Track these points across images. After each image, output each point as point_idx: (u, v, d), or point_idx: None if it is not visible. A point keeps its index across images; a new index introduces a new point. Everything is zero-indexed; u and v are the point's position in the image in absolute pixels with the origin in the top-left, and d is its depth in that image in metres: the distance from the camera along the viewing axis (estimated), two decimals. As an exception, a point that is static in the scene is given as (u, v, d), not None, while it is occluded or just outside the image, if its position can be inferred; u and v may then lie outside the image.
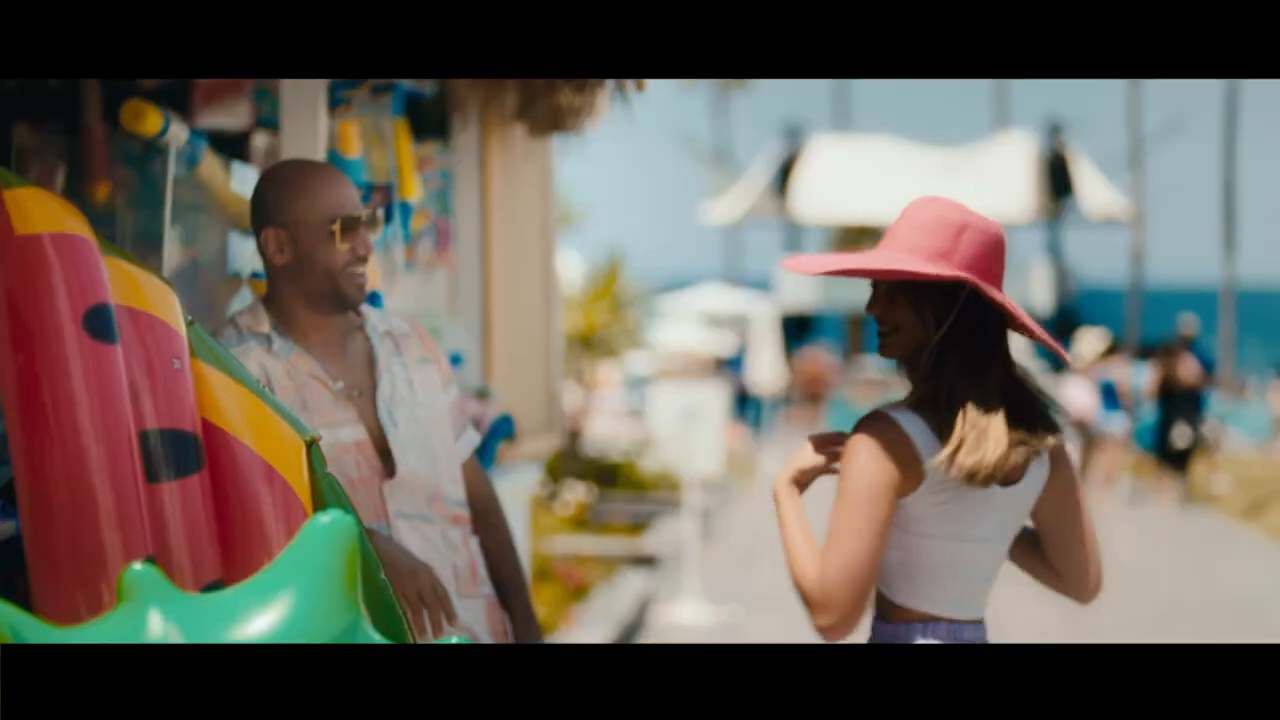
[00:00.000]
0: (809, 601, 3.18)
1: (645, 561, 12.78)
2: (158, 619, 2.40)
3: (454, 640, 2.63)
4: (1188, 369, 18.01)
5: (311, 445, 2.97)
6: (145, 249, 4.05)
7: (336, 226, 3.63)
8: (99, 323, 2.78)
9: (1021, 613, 11.27)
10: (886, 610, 3.32)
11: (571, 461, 15.79)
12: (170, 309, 2.91)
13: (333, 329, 3.74)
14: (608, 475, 16.42)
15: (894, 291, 3.28)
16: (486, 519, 3.91)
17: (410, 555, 3.61)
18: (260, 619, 2.44)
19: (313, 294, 3.68)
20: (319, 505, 2.93)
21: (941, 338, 3.25)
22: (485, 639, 3.80)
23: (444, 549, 3.75)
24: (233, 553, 2.87)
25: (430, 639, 3.53)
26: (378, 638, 2.55)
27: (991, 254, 3.27)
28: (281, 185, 3.70)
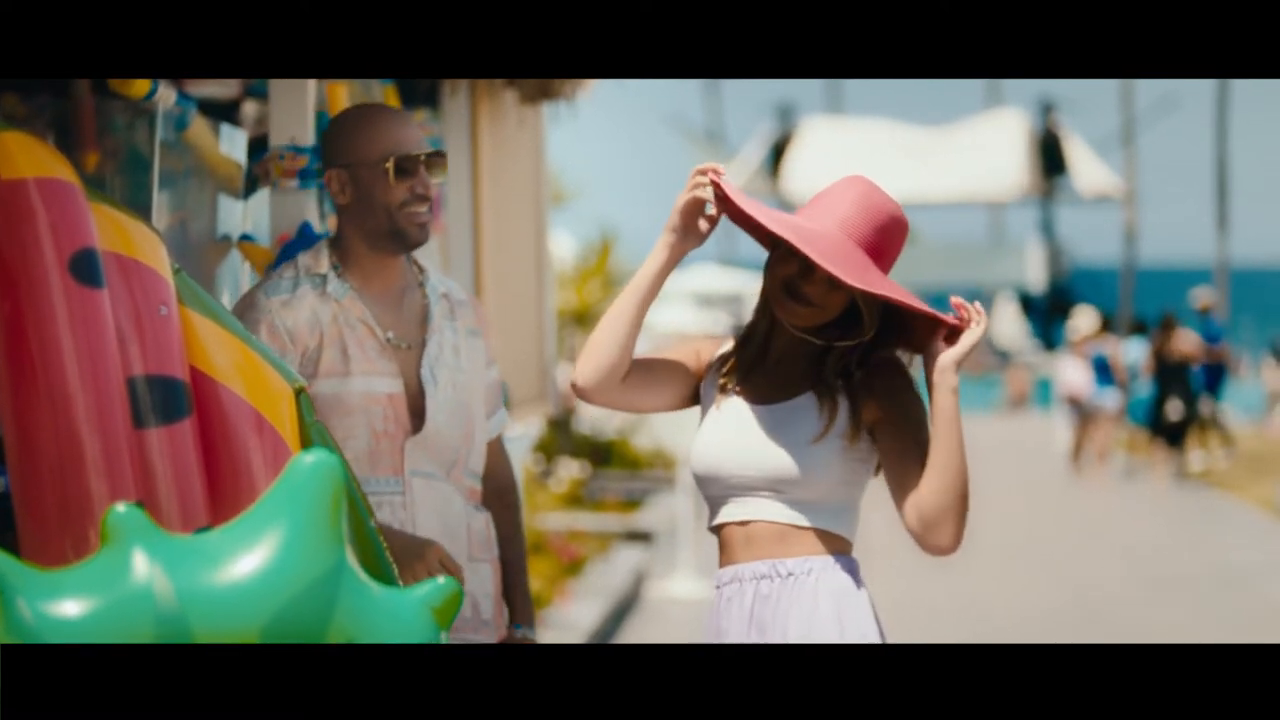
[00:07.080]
0: (957, 525, 3.22)
1: (640, 537, 12.79)
2: (142, 559, 2.39)
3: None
4: (1182, 343, 17.98)
5: (300, 393, 2.96)
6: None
7: (390, 164, 3.69)
8: (85, 267, 2.76)
9: (1019, 597, 11.29)
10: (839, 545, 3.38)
11: (565, 440, 15.78)
12: (157, 256, 2.89)
13: (393, 278, 3.78)
14: (602, 453, 16.41)
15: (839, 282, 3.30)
16: (503, 499, 3.94)
17: (413, 536, 3.63)
18: (244, 560, 2.43)
19: (372, 233, 3.72)
20: (307, 452, 2.91)
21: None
22: (488, 604, 3.82)
23: (460, 508, 3.78)
24: (221, 500, 2.86)
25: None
26: (364, 579, 2.53)
27: (897, 239, 3.41)
28: (343, 127, 3.80)
